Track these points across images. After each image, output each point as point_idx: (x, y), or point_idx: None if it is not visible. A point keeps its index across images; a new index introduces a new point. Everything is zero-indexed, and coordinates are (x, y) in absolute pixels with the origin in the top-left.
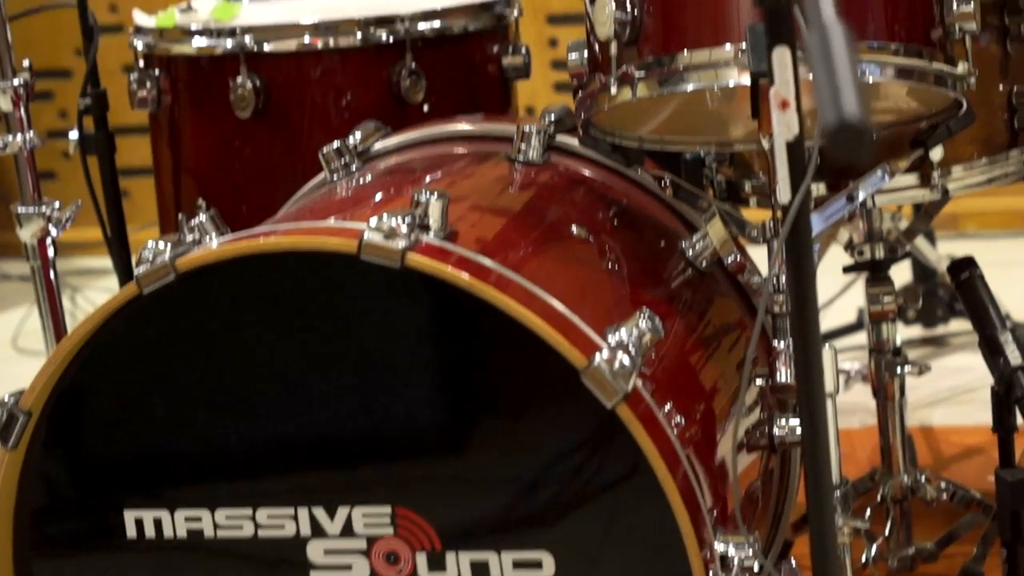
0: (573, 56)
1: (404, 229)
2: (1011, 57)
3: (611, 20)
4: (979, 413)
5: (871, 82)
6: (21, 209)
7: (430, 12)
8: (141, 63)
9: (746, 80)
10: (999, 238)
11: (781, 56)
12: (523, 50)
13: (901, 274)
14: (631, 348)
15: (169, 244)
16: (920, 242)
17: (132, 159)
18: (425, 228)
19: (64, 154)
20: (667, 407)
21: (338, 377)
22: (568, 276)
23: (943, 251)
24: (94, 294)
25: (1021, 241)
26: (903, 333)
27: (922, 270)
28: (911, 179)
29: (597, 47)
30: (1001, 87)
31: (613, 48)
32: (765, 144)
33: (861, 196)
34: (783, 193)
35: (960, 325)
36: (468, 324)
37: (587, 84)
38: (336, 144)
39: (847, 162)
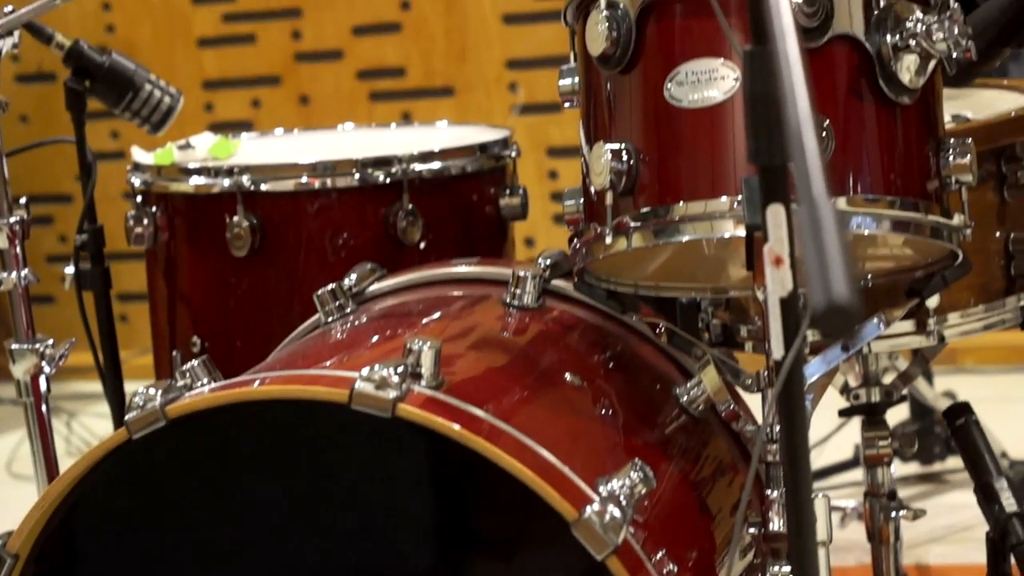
0: (569, 203)
1: (395, 379)
2: (1008, 204)
3: (607, 170)
4: (975, 553)
5: (867, 234)
6: (15, 346)
7: (428, 153)
8: (139, 199)
9: (741, 232)
10: (997, 373)
11: (775, 214)
12: (520, 191)
13: (898, 410)
14: (622, 500)
15: (159, 391)
16: (917, 380)
17: (131, 284)
18: (417, 377)
19: (61, 279)
20: (658, 555)
21: (329, 523)
22: (560, 424)
23: (941, 385)
24: (90, 420)
25: (1019, 377)
26: (900, 470)
27: (919, 407)
28: (907, 326)
29: (593, 195)
30: (998, 234)
31: (609, 198)
32: (759, 295)
33: (857, 345)
34: (776, 348)
35: (957, 462)
36: (460, 473)
37: (583, 232)
38: (331, 287)
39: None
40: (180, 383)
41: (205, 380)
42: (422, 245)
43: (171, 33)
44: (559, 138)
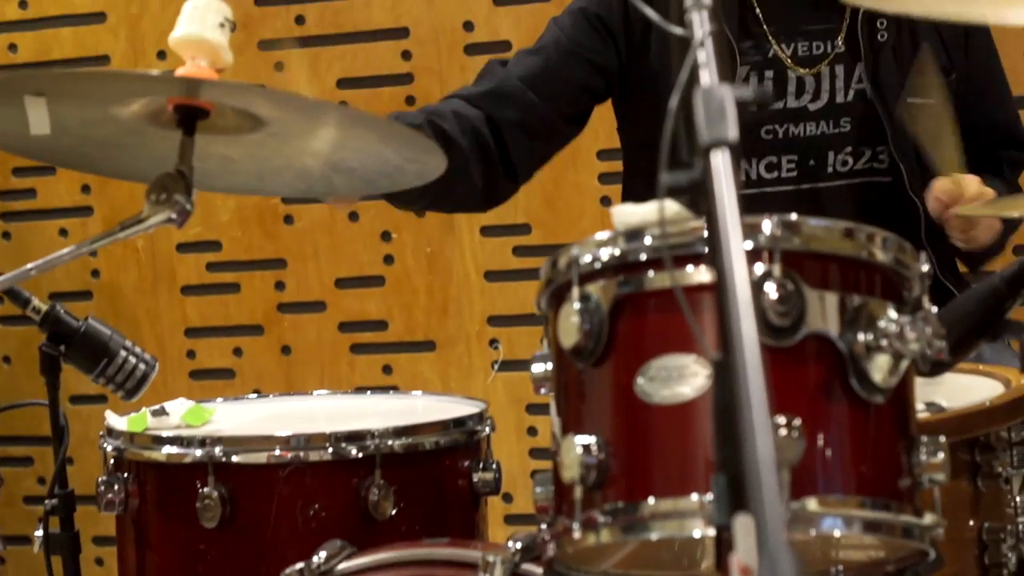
0: (539, 491)
1: None
2: (982, 494)
3: (577, 463)
4: None
5: (837, 535)
6: None
7: (401, 428)
8: (111, 464)
9: (712, 532)
10: None
11: (744, 524)
12: (494, 466)
13: None
14: None
15: None
16: None
17: (108, 528)
18: None
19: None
20: None
21: None
22: None
23: None
24: None
25: None
26: None
27: None
28: None
29: (563, 485)
30: (971, 523)
31: (578, 492)
32: None
33: None
34: None
35: None
36: None
37: (552, 523)
38: (299, 565)
39: None
40: None
41: None
42: (393, 519)
43: (155, 279)
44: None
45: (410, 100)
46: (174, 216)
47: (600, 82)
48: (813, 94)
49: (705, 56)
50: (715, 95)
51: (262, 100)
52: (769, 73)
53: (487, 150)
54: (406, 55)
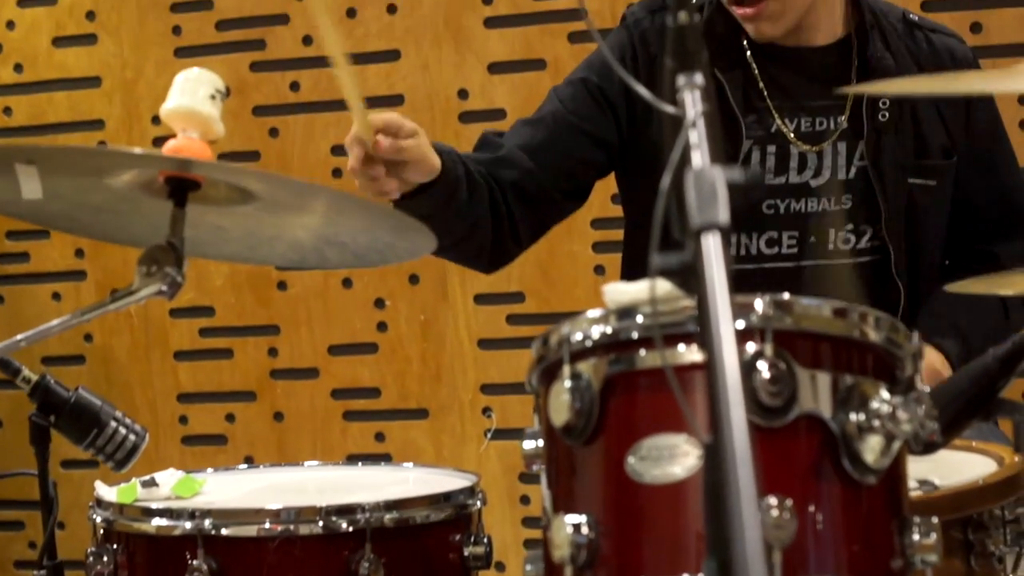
0: (530, 568)
1: None
2: (976, 573)
3: (567, 543)
4: None
5: None
6: None
7: (392, 502)
8: (100, 535)
9: None
10: None
11: None
12: (485, 540)
13: None
14: None
15: None
16: None
17: None
18: None
19: None
20: None
21: None
22: None
23: None
24: None
25: None
26: None
27: None
28: None
29: (553, 564)
30: None
31: (569, 571)
32: None
33: None
34: None
35: None
36: None
37: None
38: None
39: None
40: None
41: None
42: None
43: (148, 344)
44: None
45: None
46: (164, 288)
47: (601, 155)
48: (815, 170)
49: (697, 137)
50: (707, 177)
51: (253, 178)
52: (772, 148)
53: (497, 204)
54: None
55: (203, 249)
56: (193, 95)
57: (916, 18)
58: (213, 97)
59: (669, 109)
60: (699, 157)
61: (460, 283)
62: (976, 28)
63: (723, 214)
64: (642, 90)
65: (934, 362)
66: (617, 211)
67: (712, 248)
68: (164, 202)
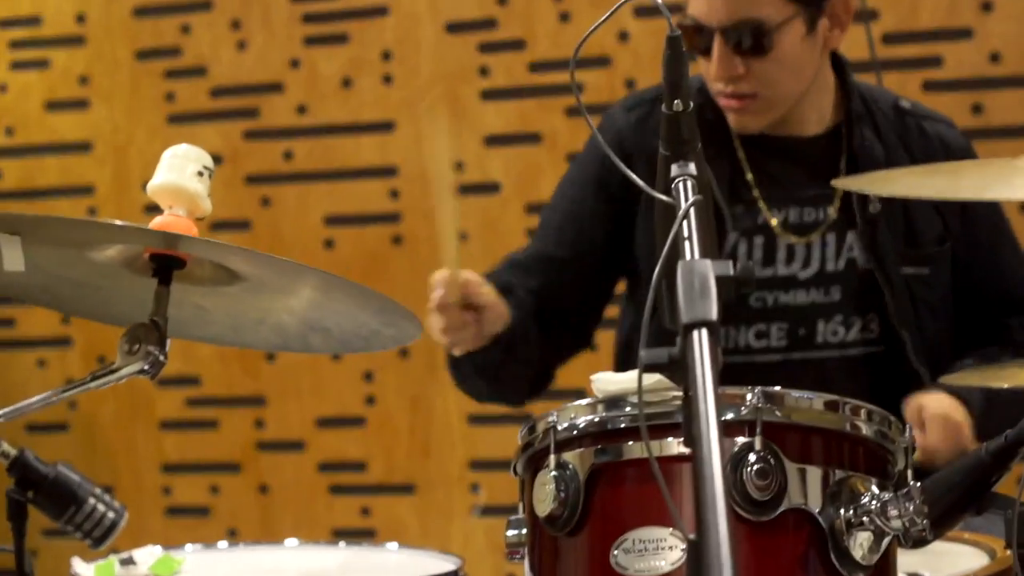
0: None
1: None
2: None
3: None
4: None
5: None
6: None
7: None
8: None
9: None
10: None
11: None
12: None
13: None
14: None
15: None
16: None
17: None
18: None
19: None
20: None
21: None
22: None
23: None
24: None
25: None
26: None
27: None
28: None
29: None
30: None
31: None
32: None
33: None
34: None
35: None
36: None
37: None
38: None
39: None
40: None
41: None
42: None
43: (133, 413)
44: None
45: (397, 239)
46: (147, 367)
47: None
48: (803, 262)
49: (689, 228)
50: (697, 271)
51: (239, 257)
52: (759, 240)
53: (543, 314)
54: (394, 194)
55: (185, 330)
56: (180, 171)
57: (908, 105)
58: (200, 174)
59: (663, 199)
60: (690, 249)
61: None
62: (977, 110)
63: (712, 310)
64: (634, 177)
65: (947, 408)
66: None
67: (701, 344)
68: (147, 280)
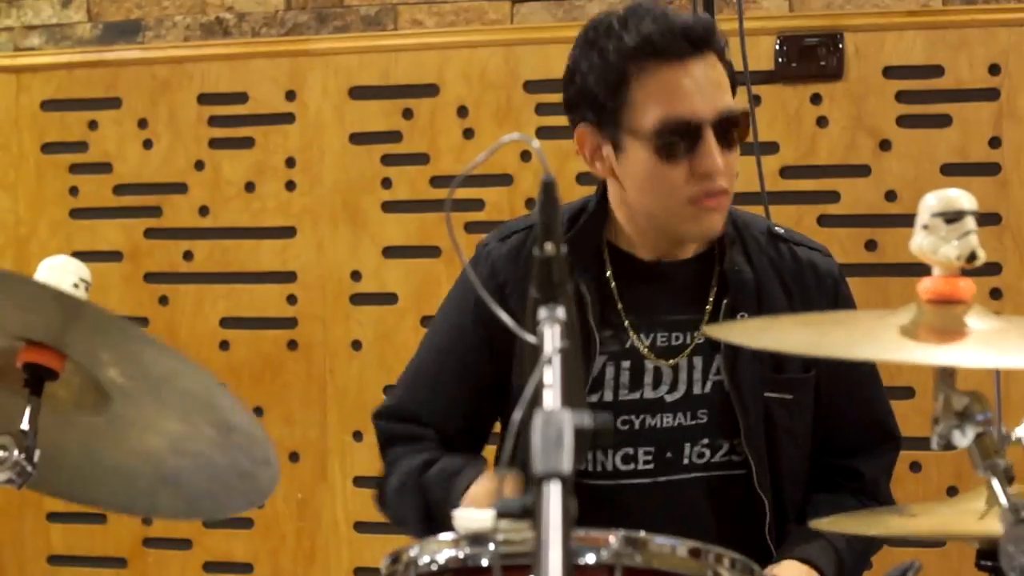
0: None
1: None
2: None
3: None
4: None
5: None
6: None
7: None
8: None
9: None
10: None
11: None
12: None
13: None
14: None
15: None
16: None
17: None
18: None
19: None
20: None
21: None
22: None
23: None
24: None
25: None
26: None
27: None
28: None
29: None
30: None
31: None
32: None
33: None
34: None
35: None
36: None
37: None
38: None
39: None
40: None
41: None
42: None
43: (21, 503)
44: None
45: (292, 344)
46: (14, 478)
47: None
48: (671, 385)
49: (552, 376)
50: (554, 422)
51: (114, 362)
52: (626, 363)
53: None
54: (291, 299)
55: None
56: (57, 282)
57: (782, 231)
58: (76, 286)
59: (530, 339)
60: (551, 398)
61: (340, 464)
62: (871, 246)
63: (566, 462)
64: (504, 316)
65: None
66: None
67: (552, 496)
68: (16, 395)
